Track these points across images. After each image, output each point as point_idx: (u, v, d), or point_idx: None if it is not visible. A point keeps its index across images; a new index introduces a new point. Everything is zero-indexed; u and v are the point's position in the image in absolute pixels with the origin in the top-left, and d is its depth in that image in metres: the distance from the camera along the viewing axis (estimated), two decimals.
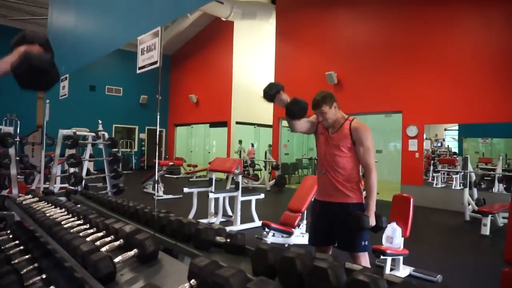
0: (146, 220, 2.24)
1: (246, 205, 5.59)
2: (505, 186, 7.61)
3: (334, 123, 2.44)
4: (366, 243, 2.33)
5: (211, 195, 5.22)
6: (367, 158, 2.34)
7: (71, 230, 1.71)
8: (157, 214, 2.14)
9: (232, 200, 5.63)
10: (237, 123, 13.40)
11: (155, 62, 1.89)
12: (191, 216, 5.51)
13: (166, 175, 13.16)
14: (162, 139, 16.80)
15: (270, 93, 2.28)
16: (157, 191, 8.40)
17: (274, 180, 10.32)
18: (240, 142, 13.39)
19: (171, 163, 8.83)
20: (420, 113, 8.36)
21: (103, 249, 1.41)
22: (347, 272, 1.12)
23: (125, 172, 13.96)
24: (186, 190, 5.57)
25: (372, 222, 2.27)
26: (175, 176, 12.96)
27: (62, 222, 1.86)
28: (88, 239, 1.54)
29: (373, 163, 2.35)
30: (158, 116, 2.10)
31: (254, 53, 13.90)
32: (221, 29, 13.84)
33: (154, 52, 1.89)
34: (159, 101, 2.26)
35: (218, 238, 1.68)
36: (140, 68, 2.05)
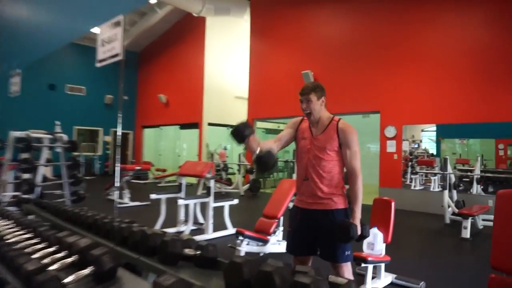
0: (106, 232, 2.11)
1: (218, 211, 5.49)
2: (482, 187, 7.87)
3: (318, 123, 2.37)
4: (349, 252, 2.29)
5: (181, 202, 5.08)
6: (354, 162, 2.30)
7: (16, 246, 1.56)
8: (118, 225, 2.00)
9: (203, 207, 5.51)
10: (209, 124, 13.29)
11: (117, 55, 1.76)
12: (158, 225, 5.35)
13: (132, 181, 12.84)
14: (129, 142, 16.40)
15: (241, 136, 2.13)
16: (120, 198, 8.14)
17: (248, 185, 10.25)
18: (207, 146, 13.27)
19: (137, 168, 8.58)
20: (398, 113, 8.52)
21: (53, 267, 1.28)
22: (331, 287, 1.05)
23: (88, 178, 13.64)
24: (153, 196, 5.42)
25: (359, 230, 2.23)
26: (142, 182, 12.67)
27: (6, 237, 1.70)
28: (35, 256, 1.40)
29: (360, 168, 2.32)
30: (120, 117, 1.96)
31: (227, 51, 13.82)
32: (193, 26, 13.68)
33: (116, 44, 1.77)
34: (121, 100, 2.11)
35: (187, 251, 1.59)
36: (100, 61, 1.91)
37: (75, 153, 13.87)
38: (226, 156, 13.64)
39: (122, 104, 15.94)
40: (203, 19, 13.06)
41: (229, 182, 10.95)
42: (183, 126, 14.25)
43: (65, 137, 5.11)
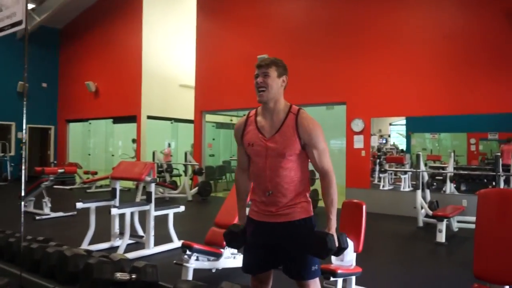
0: (12, 255, 1.90)
1: (161, 221, 5.32)
2: (455, 185, 8.24)
3: (272, 113, 2.24)
4: (317, 267, 2.21)
5: (114, 211, 4.84)
6: (325, 162, 2.19)
7: None
8: (27, 245, 1.80)
9: (143, 216, 5.29)
10: (149, 117, 12.94)
11: (19, 22, 1.54)
12: (86, 240, 5.09)
13: (55, 186, 12.21)
14: (50, 139, 15.57)
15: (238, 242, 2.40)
16: (38, 208, 7.66)
17: (196, 188, 10.08)
18: (134, 141, 13.08)
19: (60, 170, 8.10)
20: (366, 105, 8.71)
21: None
22: None
23: None
24: (79, 205, 5.18)
25: (336, 242, 2.14)
26: (68, 187, 12.09)
27: None
28: None
29: (332, 167, 2.22)
30: (25, 108, 1.75)
31: (170, 30, 13.49)
32: None
33: (17, 8, 1.54)
34: (26, 87, 1.87)
35: (119, 275, 1.43)
36: None
37: None
38: (171, 155, 13.36)
39: (39, 94, 15.05)
40: None
41: (174, 186, 10.71)
42: (117, 120, 13.77)
43: None
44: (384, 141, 11.53)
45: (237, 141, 2.37)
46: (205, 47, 11.43)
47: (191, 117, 11.85)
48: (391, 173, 9.61)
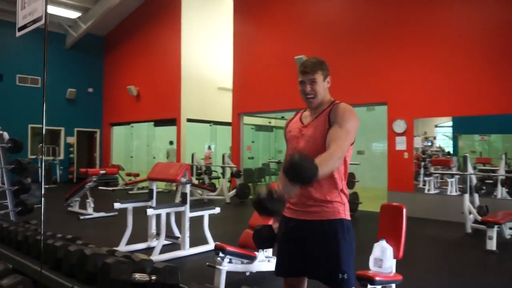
0: (37, 252, 1.89)
1: (198, 222, 5.32)
2: (507, 190, 7.77)
3: (316, 109, 2.18)
4: (346, 276, 2.03)
5: (150, 211, 4.88)
6: (339, 141, 1.96)
7: None
8: (52, 243, 1.79)
9: (179, 217, 5.31)
10: (188, 120, 13.10)
11: (39, 19, 1.52)
12: (124, 240, 5.15)
13: (100, 188, 12.60)
14: (96, 142, 16.13)
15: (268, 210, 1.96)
16: (82, 208, 7.91)
17: (234, 190, 10.07)
18: (171, 143, 13.11)
19: (102, 172, 8.33)
20: (408, 104, 8.41)
21: None
22: None
23: (47, 186, 13.31)
24: (117, 205, 5.26)
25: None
26: (111, 189, 12.41)
27: None
28: None
29: (343, 149, 1.97)
30: (44, 110, 1.73)
31: (208, 34, 13.63)
32: (166, 3, 13.43)
33: (38, 4, 1.53)
34: (45, 85, 1.85)
35: (138, 276, 1.38)
36: (20, 29, 1.67)
37: (31, 156, 13.68)
38: (210, 157, 13.47)
39: (86, 98, 15.65)
40: None
41: (212, 188, 10.76)
42: (158, 123, 14.04)
43: (5, 135, 4.85)
44: (429, 143, 11.14)
45: (284, 137, 2.38)
46: (242, 48, 11.44)
47: (230, 119, 11.89)
48: (436, 177, 9.25)
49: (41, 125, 9.83)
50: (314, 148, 2.06)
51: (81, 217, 7.65)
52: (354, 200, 8.23)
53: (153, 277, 1.41)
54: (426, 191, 8.84)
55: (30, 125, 14.28)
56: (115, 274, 1.34)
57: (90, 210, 7.95)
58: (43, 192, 1.87)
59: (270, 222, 3.92)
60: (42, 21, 1.49)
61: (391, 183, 8.60)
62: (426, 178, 9.13)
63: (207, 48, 13.64)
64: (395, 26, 8.64)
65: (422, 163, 9.70)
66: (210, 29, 13.68)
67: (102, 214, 7.89)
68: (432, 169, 9.50)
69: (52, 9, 13.02)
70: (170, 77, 13.18)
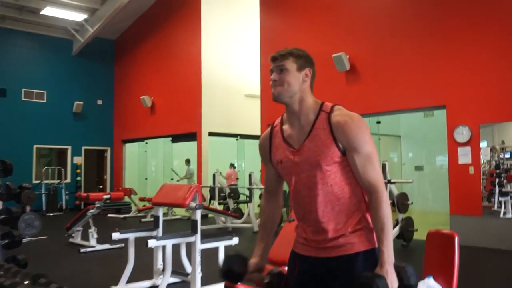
0: None
1: (214, 255, 5.23)
2: None
3: (298, 117, 2.03)
4: None
5: (152, 243, 4.85)
6: (370, 172, 1.94)
7: None
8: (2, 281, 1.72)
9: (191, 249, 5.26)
10: (210, 134, 13.19)
11: None
12: (124, 278, 5.15)
13: (110, 215, 12.81)
14: (106, 162, 16.45)
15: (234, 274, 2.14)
16: (85, 240, 7.99)
17: None
18: (188, 162, 13.34)
19: (106, 196, 8.37)
20: (472, 107, 8.15)
21: None
22: None
23: (51, 214, 13.62)
24: (116, 236, 5.31)
25: (393, 283, 1.84)
26: (121, 216, 12.57)
27: None
28: None
29: (382, 180, 1.97)
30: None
31: (231, 35, 13.78)
32: (183, 1, 13.66)
33: None
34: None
35: None
36: None
37: (36, 181, 14.08)
38: (236, 178, 13.40)
39: (95, 112, 16.06)
40: None
41: (238, 214, 10.67)
42: (176, 138, 14.19)
43: None
44: (508, 156, 10.70)
45: (262, 159, 2.25)
46: (271, 46, 11.37)
47: (259, 132, 11.81)
48: None
49: (47, 145, 10.07)
50: (311, 171, 1.98)
51: (82, 250, 7.72)
52: (407, 227, 7.94)
53: None
54: (502, 215, 8.43)
55: (35, 146, 14.82)
56: None
57: (92, 241, 8.01)
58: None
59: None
60: None
61: (453, 205, 8.31)
62: (501, 198, 8.73)
63: (231, 49, 13.77)
64: (451, 13, 8.45)
65: (497, 180, 9.27)
66: (234, 27, 13.82)
67: (107, 246, 7.93)
68: (508, 187, 9.08)
69: (56, 12, 13.52)
70: (189, 84, 13.35)
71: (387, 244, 1.90)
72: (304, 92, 2.03)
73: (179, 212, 12.79)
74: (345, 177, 1.98)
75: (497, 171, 9.59)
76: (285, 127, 2.10)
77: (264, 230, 2.26)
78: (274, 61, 2.02)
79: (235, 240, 5.36)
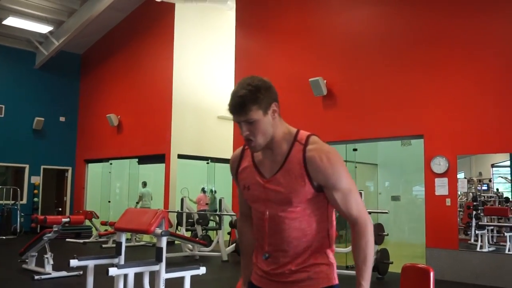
0: None
1: (178, 285, 5.18)
2: None
3: (271, 148, 2.00)
4: None
5: (113, 271, 4.79)
6: (353, 206, 1.95)
7: None
8: None
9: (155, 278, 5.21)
10: (180, 156, 13.14)
11: None
12: None
13: (69, 240, 12.56)
14: (67, 183, 16.17)
15: None
16: (39, 266, 7.80)
17: (234, 245, 9.88)
18: (145, 184, 13.32)
19: (65, 220, 8.23)
20: (450, 137, 8.31)
21: None
22: None
23: (4, 237, 13.26)
24: (74, 263, 5.26)
25: None
26: (81, 241, 12.34)
27: None
28: None
29: (365, 211, 1.99)
30: None
31: (205, 54, 13.90)
32: (156, 17, 13.76)
33: None
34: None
35: None
36: None
37: None
38: (206, 203, 13.34)
39: (57, 129, 15.84)
40: (170, 6, 13.13)
41: (206, 242, 10.58)
42: (143, 160, 14.09)
43: None
44: (485, 188, 10.89)
45: (234, 180, 2.21)
46: (246, 70, 11.46)
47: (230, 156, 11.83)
48: (491, 230, 8.98)
49: (2, 163, 9.89)
50: (280, 208, 1.97)
51: (36, 277, 7.52)
52: (383, 259, 8.00)
53: None
54: (478, 249, 8.56)
55: None
56: None
57: (48, 268, 7.80)
58: None
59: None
60: None
61: (430, 237, 8.41)
62: (478, 231, 8.87)
63: (204, 69, 13.87)
64: (434, 40, 8.64)
65: (474, 213, 9.43)
66: (208, 47, 13.96)
67: (63, 273, 7.74)
68: (485, 220, 9.24)
69: (19, 22, 13.39)
70: (159, 103, 13.34)
71: (367, 278, 1.92)
72: (275, 128, 1.97)
73: (144, 238, 12.64)
74: (315, 213, 1.99)
75: (474, 203, 9.76)
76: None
77: (246, 256, 2.24)
78: (237, 116, 1.93)
79: (202, 270, 5.38)
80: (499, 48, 8.00)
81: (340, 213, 2.00)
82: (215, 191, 13.99)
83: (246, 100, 1.88)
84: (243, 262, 2.27)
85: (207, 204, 13.36)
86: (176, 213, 11.75)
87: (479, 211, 9.49)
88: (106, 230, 12.36)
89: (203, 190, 13.40)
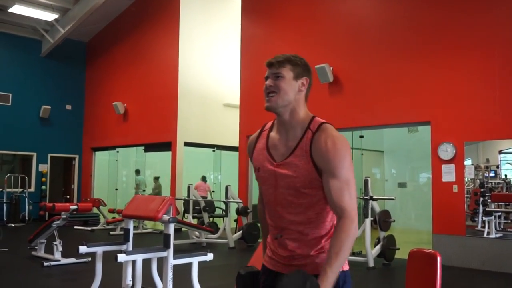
0: None
1: (187, 272, 5.18)
2: None
3: (288, 128, 2.04)
4: None
5: (122, 257, 4.79)
6: (345, 198, 1.92)
7: None
8: None
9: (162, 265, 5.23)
10: (186, 144, 13.15)
11: None
12: None
13: (76, 227, 12.65)
14: (74, 171, 16.25)
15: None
16: (48, 253, 7.87)
17: (240, 232, 9.93)
18: (138, 172, 13.33)
19: (73, 207, 8.28)
20: (457, 124, 8.28)
21: None
22: None
23: (13, 225, 13.36)
24: (83, 249, 5.20)
25: None
26: (89, 228, 12.43)
27: None
28: None
29: (355, 209, 1.96)
30: None
31: (211, 41, 13.85)
32: (162, 4, 13.71)
33: None
34: None
35: None
36: None
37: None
38: (208, 190, 13.40)
39: (63, 118, 15.89)
40: None
41: (213, 229, 10.64)
42: (149, 148, 14.12)
43: None
44: (492, 174, 10.87)
45: (251, 161, 2.25)
46: (251, 57, 11.46)
47: (237, 143, 11.85)
48: (499, 216, 8.97)
49: (9, 152, 9.99)
50: (293, 197, 2.01)
51: (45, 264, 7.58)
52: (389, 246, 8.01)
53: None
54: (485, 235, 8.56)
55: None
56: None
57: (57, 255, 7.84)
58: None
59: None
60: None
61: (436, 223, 8.41)
62: (485, 218, 8.86)
63: (210, 56, 13.82)
64: (442, 28, 8.59)
65: (481, 199, 9.42)
66: (214, 34, 13.91)
67: (72, 260, 7.79)
68: (492, 207, 9.23)
69: (25, 10, 13.38)
70: (165, 91, 13.32)
71: (334, 268, 1.86)
72: (297, 103, 2.04)
73: (151, 226, 12.72)
74: (322, 201, 1.99)
75: (482, 190, 9.74)
76: (273, 133, 2.12)
77: (266, 236, 2.27)
78: (270, 67, 2.02)
79: (210, 256, 5.31)
80: (506, 34, 7.94)
81: (329, 202, 1.97)
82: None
83: (286, 58, 2.01)
84: (264, 241, 2.31)
85: (207, 191, 13.43)
86: (182, 201, 11.80)
87: (486, 198, 9.49)
88: (113, 218, 12.42)
89: (203, 178, 13.47)
